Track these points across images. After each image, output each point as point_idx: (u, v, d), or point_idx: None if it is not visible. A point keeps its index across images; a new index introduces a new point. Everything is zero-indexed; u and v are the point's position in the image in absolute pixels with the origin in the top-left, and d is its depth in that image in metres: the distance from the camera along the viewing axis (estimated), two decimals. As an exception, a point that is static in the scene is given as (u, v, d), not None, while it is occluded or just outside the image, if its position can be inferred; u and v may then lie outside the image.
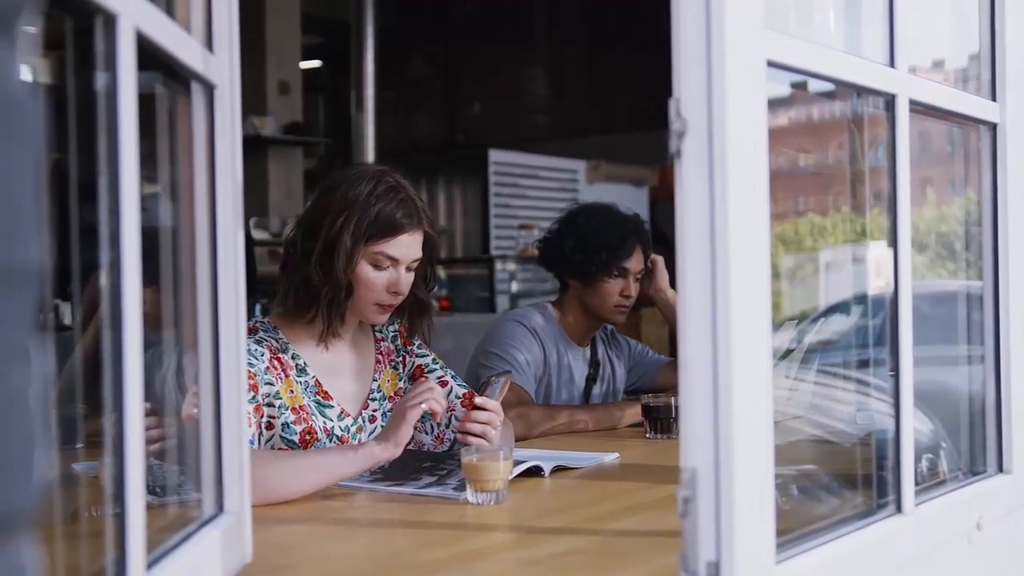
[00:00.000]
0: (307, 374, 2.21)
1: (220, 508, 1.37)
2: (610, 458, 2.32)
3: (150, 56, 1.10)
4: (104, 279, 1.01)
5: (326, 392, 2.22)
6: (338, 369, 2.27)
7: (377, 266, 2.17)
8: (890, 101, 1.51)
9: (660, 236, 5.05)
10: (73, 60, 1.03)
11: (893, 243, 1.52)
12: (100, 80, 1.01)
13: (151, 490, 1.26)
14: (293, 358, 2.20)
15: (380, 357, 2.36)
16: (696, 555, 1.16)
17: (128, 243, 1.00)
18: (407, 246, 2.19)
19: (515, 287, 7.47)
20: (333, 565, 1.58)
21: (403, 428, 1.97)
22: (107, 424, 1.02)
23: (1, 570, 0.55)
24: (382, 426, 2.27)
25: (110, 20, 0.98)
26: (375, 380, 2.33)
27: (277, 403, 2.12)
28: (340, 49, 8.65)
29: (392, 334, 2.40)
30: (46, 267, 0.58)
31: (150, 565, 1.08)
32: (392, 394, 2.34)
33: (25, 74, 0.57)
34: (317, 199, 2.23)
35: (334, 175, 2.27)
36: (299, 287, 2.18)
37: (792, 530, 1.32)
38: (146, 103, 1.08)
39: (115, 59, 0.99)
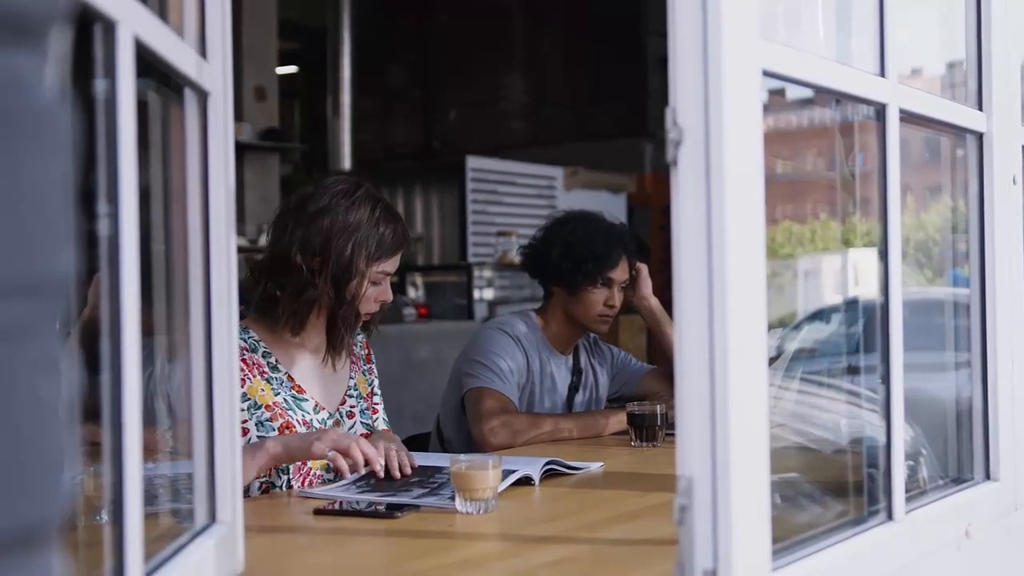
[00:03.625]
0: (280, 371, 2.26)
1: (213, 518, 1.35)
2: (596, 467, 2.32)
3: (145, 62, 1.09)
4: (102, 286, 1.01)
5: (299, 386, 2.27)
6: (314, 368, 2.32)
7: (375, 283, 2.28)
8: (880, 110, 1.52)
9: (638, 243, 5.05)
10: (70, 67, 1.02)
11: (883, 251, 1.53)
12: (98, 86, 1.01)
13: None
14: (264, 356, 2.25)
15: (354, 358, 2.44)
16: (693, 563, 1.16)
17: (127, 249, 0.99)
18: (398, 260, 2.32)
19: (493, 294, 7.46)
20: (324, 574, 1.57)
21: (299, 450, 2.01)
22: (104, 433, 1.01)
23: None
24: (361, 422, 2.38)
25: (109, 27, 0.98)
26: (351, 378, 2.41)
27: (245, 404, 2.13)
28: (317, 55, 8.64)
29: (360, 342, 2.49)
30: (72, 279, 0.58)
31: (146, 576, 1.07)
32: (365, 395, 2.43)
33: (55, 85, 0.56)
34: (311, 219, 2.22)
35: (318, 192, 2.27)
36: (307, 307, 2.23)
37: (786, 538, 1.32)
38: (138, 109, 1.07)
39: (114, 66, 0.99)
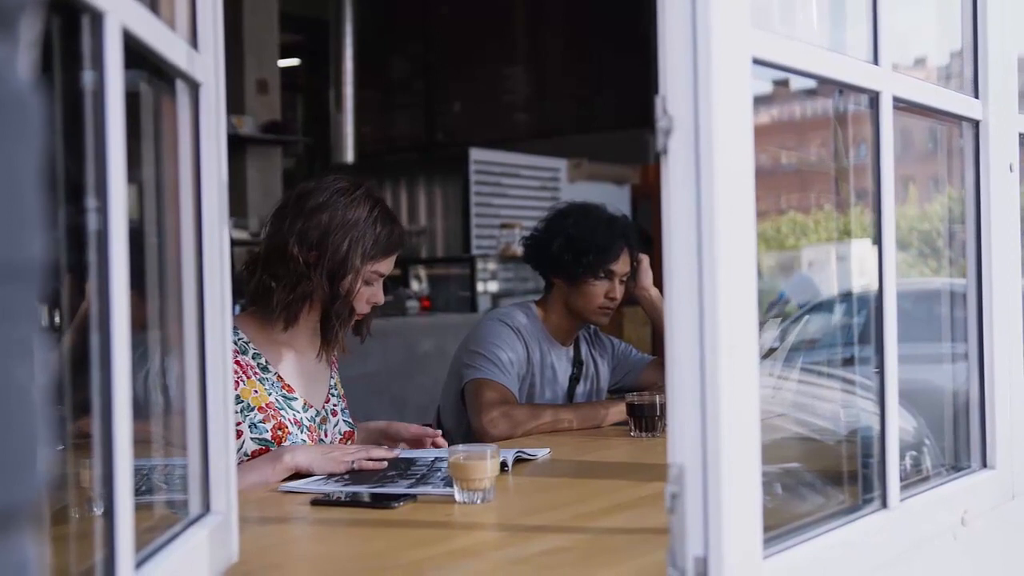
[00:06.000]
0: (270, 371, 2.28)
1: (207, 508, 1.36)
2: (542, 453, 2.35)
3: (135, 54, 1.10)
4: (90, 280, 1.01)
5: (289, 386, 2.30)
6: (299, 367, 2.35)
7: (367, 282, 2.29)
8: (874, 98, 1.52)
9: (642, 235, 5.06)
10: (59, 58, 1.02)
11: (877, 240, 1.53)
12: (86, 78, 1.01)
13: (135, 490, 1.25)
14: (254, 357, 2.27)
15: (334, 360, 2.47)
16: (684, 551, 1.17)
17: (116, 243, 1.00)
18: (393, 262, 2.34)
19: (497, 287, 7.47)
20: (320, 564, 1.57)
21: (319, 464, 2.09)
22: (95, 425, 1.01)
23: (6, 564, 0.55)
24: (344, 420, 2.42)
25: (97, 18, 0.98)
26: (332, 378, 2.44)
27: (239, 406, 2.15)
28: (319, 47, 8.64)
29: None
30: (47, 264, 0.58)
31: (138, 565, 1.07)
32: (342, 394, 2.47)
33: (26, 72, 0.57)
34: (310, 214, 2.25)
35: (317, 188, 2.29)
36: (300, 301, 2.24)
37: (779, 526, 1.33)
38: (129, 101, 1.07)
39: (102, 57, 0.99)
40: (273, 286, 2.23)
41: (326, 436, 2.34)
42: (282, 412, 2.24)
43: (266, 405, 2.22)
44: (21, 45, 0.55)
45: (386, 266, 2.31)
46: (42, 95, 0.58)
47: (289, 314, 2.25)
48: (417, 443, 2.39)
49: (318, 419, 2.33)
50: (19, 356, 0.55)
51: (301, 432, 2.25)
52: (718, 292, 1.15)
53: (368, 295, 2.30)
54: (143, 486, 1.38)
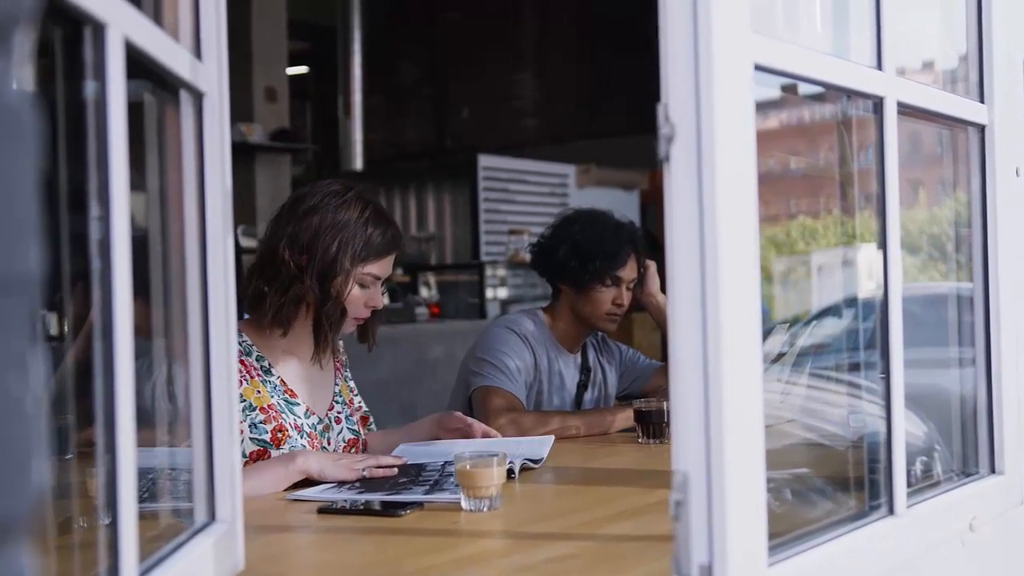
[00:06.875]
0: (273, 375, 2.29)
1: (212, 517, 1.36)
2: (548, 444, 2.36)
3: (138, 64, 1.10)
4: (94, 289, 1.01)
5: (292, 391, 2.30)
6: (303, 374, 2.35)
7: (362, 285, 2.29)
8: (878, 103, 1.52)
9: (650, 240, 5.05)
10: (61, 68, 1.03)
11: (883, 245, 1.52)
12: (89, 89, 1.01)
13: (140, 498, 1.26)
14: (258, 360, 2.28)
15: (338, 366, 2.47)
16: (688, 558, 1.17)
17: (119, 252, 1.00)
18: (389, 265, 2.33)
19: (506, 293, 7.46)
20: (326, 572, 1.57)
21: (331, 476, 2.07)
22: (98, 434, 1.01)
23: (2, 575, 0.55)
24: (347, 428, 2.41)
25: (99, 29, 0.98)
26: (336, 385, 2.44)
27: (241, 405, 2.16)
28: (327, 54, 8.64)
29: (341, 348, 2.53)
30: (41, 276, 0.59)
31: (142, 574, 1.07)
32: (348, 401, 2.46)
33: (21, 84, 0.57)
34: (302, 217, 2.26)
35: (310, 192, 2.31)
36: (292, 304, 2.25)
37: (785, 533, 1.32)
38: (134, 111, 1.08)
39: (104, 68, 0.99)
40: (266, 291, 2.23)
41: (329, 444, 2.34)
42: (283, 415, 2.24)
43: (268, 406, 2.23)
44: (16, 57, 0.55)
45: (380, 268, 2.29)
46: (39, 107, 0.58)
47: (282, 317, 2.24)
48: (464, 434, 2.41)
49: (320, 426, 2.33)
50: (14, 368, 0.55)
51: (301, 437, 2.25)
52: (720, 298, 1.15)
53: (365, 298, 2.29)
54: (146, 492, 1.39)
